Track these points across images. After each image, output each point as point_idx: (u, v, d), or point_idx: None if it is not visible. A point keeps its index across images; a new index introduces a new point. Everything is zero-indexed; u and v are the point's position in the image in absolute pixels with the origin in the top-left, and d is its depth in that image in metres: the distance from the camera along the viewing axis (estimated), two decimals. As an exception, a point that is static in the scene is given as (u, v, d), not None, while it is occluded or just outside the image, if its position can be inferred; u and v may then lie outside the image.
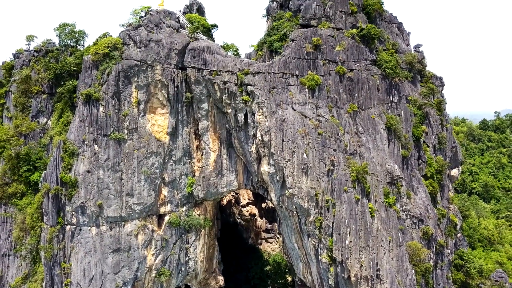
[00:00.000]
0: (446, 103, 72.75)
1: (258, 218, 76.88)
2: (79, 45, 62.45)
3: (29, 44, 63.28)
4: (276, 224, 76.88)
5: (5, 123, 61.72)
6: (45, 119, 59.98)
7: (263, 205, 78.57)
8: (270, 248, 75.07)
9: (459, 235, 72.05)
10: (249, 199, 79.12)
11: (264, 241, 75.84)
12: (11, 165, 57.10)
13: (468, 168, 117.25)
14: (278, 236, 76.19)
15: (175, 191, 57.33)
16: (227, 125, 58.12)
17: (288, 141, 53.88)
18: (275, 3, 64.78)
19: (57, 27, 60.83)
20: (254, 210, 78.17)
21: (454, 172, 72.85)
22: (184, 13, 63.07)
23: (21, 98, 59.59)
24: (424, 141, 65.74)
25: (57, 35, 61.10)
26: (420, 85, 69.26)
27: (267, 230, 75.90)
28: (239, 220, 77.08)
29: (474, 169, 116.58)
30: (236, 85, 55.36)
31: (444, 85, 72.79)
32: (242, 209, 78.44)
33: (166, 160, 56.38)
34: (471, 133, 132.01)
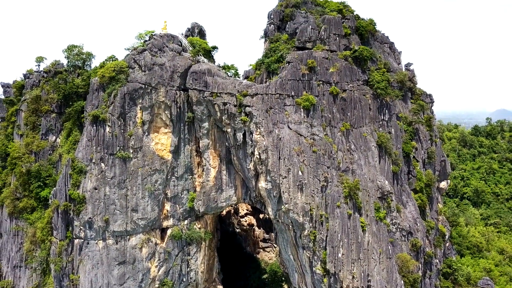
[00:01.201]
0: (435, 119, 76.23)
1: (256, 228, 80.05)
2: (87, 65, 65.53)
3: (38, 65, 66.51)
4: (273, 234, 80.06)
5: (16, 140, 64.85)
6: (54, 137, 63.15)
7: (261, 215, 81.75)
8: (268, 257, 78.25)
9: (447, 244, 75.46)
10: (247, 210, 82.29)
11: (261, 250, 79.01)
12: (22, 181, 60.28)
13: (460, 173, 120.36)
14: (275, 245, 79.35)
15: (177, 205, 60.51)
16: (226, 143, 61.24)
17: (284, 159, 57.01)
18: (272, 25, 67.80)
19: (65, 48, 63.93)
20: (252, 220, 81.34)
21: (443, 184, 76.32)
22: (186, 36, 66.09)
23: (32, 117, 62.74)
24: (414, 157, 69.09)
25: (65, 57, 64.20)
26: (411, 102, 72.68)
27: (264, 240, 79.06)
28: (237, 230, 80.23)
29: (466, 174, 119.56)
30: (235, 106, 58.48)
31: (433, 101, 76.28)
32: (241, 219, 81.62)
33: (169, 177, 59.56)
34: (463, 138, 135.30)
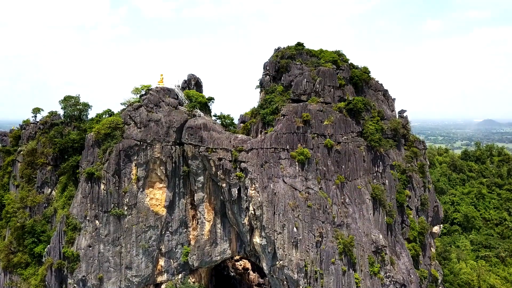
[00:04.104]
0: (428, 165, 76.82)
1: (251, 272, 79.79)
2: (83, 116, 65.77)
3: (35, 116, 66.67)
4: (267, 278, 79.69)
5: (11, 190, 64.76)
6: (50, 190, 63.13)
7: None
8: (262, 301, 77.94)
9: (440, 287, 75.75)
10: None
11: (256, 294, 78.72)
12: (16, 235, 60.08)
13: (450, 198, 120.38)
14: (270, 290, 78.92)
15: (171, 260, 60.42)
16: (221, 197, 61.42)
17: (279, 214, 57.22)
18: (268, 76, 68.54)
19: (62, 99, 64.21)
20: (247, 264, 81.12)
21: (436, 229, 76.77)
22: (183, 88, 66.51)
23: (27, 169, 62.72)
24: (407, 205, 69.55)
25: (62, 107, 64.42)
26: (404, 148, 73.37)
27: (259, 284, 78.66)
28: (232, 273, 79.94)
29: (456, 199, 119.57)
30: (230, 161, 58.82)
31: (426, 148, 77.02)
32: (236, 262, 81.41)
33: (163, 232, 59.55)
34: (454, 163, 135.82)
